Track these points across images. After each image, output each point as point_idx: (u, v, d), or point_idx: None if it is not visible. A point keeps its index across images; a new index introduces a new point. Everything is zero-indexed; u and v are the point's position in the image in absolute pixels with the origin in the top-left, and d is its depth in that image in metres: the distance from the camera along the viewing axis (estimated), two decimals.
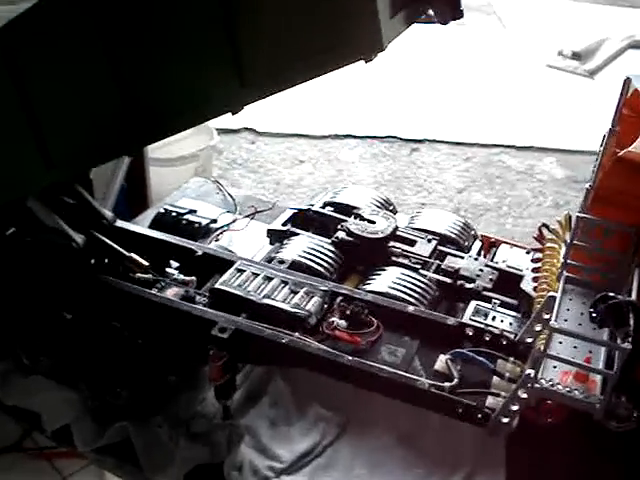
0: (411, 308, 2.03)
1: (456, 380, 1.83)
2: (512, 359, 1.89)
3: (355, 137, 5.64)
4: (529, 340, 1.87)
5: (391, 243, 2.36)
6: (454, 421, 1.81)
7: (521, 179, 5.21)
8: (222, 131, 4.88)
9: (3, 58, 1.57)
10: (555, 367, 1.68)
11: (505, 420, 1.73)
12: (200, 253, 2.25)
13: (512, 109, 6.04)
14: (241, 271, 2.11)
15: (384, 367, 1.83)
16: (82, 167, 1.93)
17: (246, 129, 5.57)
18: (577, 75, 6.68)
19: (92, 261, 2.18)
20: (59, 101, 1.64)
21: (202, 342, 1.87)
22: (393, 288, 2.16)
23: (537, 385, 1.63)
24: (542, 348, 1.63)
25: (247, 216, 2.83)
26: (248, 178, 5.02)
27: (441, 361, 1.90)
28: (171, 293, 2.07)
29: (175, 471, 1.89)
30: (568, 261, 1.81)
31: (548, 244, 2.04)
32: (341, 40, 1.40)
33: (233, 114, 1.58)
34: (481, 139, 5.62)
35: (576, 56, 6.85)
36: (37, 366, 2.14)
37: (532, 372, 1.64)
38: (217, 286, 2.06)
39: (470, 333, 1.97)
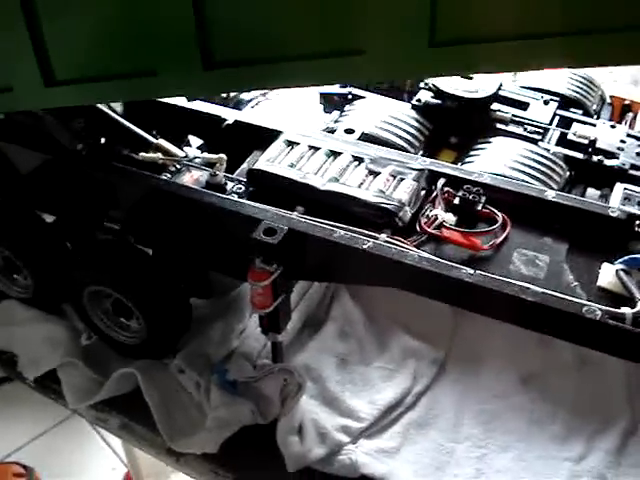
0: (552, 193, 1.52)
1: None
2: None
3: None
4: None
5: (495, 106, 1.92)
6: (594, 353, 1.37)
7: None
8: None
9: None
10: None
11: None
12: (231, 122, 1.77)
13: None
14: (293, 144, 1.63)
15: (528, 285, 1.30)
16: (116, 93, 1.44)
17: None
18: None
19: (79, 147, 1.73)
20: None
21: (239, 250, 1.46)
22: (511, 167, 1.69)
23: None
24: None
25: None
26: None
27: (608, 273, 1.37)
28: (190, 179, 1.60)
29: (206, 437, 1.57)
30: None
31: None
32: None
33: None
34: None
35: None
36: (10, 288, 1.89)
37: None
38: (258, 166, 1.58)
39: None
